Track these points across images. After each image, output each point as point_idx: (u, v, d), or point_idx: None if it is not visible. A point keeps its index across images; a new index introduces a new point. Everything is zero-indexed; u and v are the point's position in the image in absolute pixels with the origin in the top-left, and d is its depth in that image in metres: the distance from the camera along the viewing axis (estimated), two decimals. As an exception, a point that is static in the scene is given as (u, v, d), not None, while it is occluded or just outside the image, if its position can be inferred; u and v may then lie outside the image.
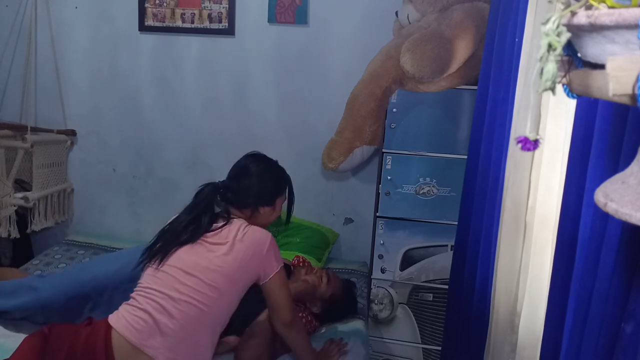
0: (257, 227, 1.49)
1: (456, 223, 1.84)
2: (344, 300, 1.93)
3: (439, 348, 2.09)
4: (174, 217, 1.54)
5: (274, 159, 1.63)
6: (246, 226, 1.47)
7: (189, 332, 1.36)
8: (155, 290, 1.38)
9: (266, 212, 1.57)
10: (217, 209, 1.54)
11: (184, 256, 1.42)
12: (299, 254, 2.21)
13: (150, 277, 1.42)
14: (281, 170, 1.63)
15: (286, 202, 1.65)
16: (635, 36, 0.49)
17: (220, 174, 2.61)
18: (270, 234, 1.48)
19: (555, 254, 1.06)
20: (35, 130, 2.54)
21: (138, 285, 1.44)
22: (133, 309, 1.37)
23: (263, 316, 1.65)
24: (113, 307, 1.50)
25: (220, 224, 1.47)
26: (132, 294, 1.43)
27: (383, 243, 2.11)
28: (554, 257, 1.07)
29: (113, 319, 1.38)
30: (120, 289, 1.72)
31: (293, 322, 1.50)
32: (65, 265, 2.33)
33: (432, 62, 1.82)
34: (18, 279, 1.94)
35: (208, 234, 1.45)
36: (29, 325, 1.75)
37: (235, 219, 1.49)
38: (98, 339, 1.32)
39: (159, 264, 1.41)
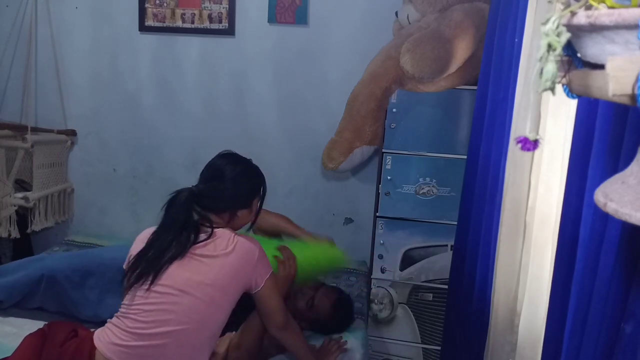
0: (245, 237, 1.45)
1: (456, 223, 1.84)
2: (333, 320, 1.83)
3: (439, 348, 2.09)
4: (150, 236, 1.44)
5: (248, 157, 1.56)
6: (234, 236, 1.42)
7: (185, 353, 1.33)
8: (147, 311, 1.32)
9: (244, 215, 1.51)
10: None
11: (176, 273, 1.35)
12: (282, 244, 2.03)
13: (140, 298, 1.34)
14: (256, 170, 1.56)
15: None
16: (634, 36, 0.49)
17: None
18: (258, 243, 1.45)
19: (555, 254, 1.06)
20: (35, 130, 2.55)
21: (126, 305, 1.37)
22: (121, 332, 1.33)
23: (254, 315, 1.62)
24: (111, 292, 1.51)
25: (205, 235, 1.40)
26: (120, 314, 1.37)
27: (383, 243, 2.11)
28: (554, 257, 1.07)
29: (99, 339, 1.34)
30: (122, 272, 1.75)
31: (287, 324, 1.48)
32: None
33: (432, 62, 1.82)
34: None
35: (196, 246, 1.38)
36: (29, 325, 1.75)
37: (219, 229, 1.43)
38: (82, 357, 1.32)
39: (151, 283, 1.33)
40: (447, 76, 1.91)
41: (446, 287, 2.00)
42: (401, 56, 1.87)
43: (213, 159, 1.52)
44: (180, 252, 1.36)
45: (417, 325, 2.15)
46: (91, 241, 2.60)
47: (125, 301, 1.38)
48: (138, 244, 1.45)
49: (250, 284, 1.42)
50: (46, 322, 1.49)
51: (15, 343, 1.38)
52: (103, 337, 1.35)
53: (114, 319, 1.38)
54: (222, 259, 1.37)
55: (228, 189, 1.46)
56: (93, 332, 1.40)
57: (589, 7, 0.54)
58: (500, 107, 1.41)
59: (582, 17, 0.53)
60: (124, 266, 1.46)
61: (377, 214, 2.10)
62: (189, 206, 1.43)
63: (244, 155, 1.57)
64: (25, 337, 1.39)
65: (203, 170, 1.51)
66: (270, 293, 1.44)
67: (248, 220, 1.55)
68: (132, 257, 1.42)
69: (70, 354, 1.33)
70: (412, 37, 1.88)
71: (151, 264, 1.36)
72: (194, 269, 1.36)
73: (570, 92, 0.64)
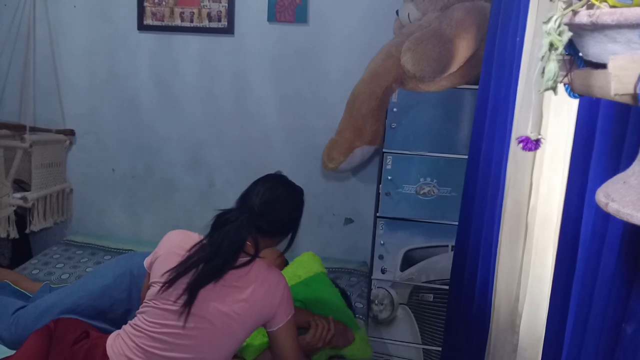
0: (275, 270, 1.39)
1: (457, 223, 1.84)
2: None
3: (440, 349, 2.08)
4: (194, 249, 1.31)
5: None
6: (266, 268, 1.36)
7: None
8: (168, 333, 1.27)
9: (274, 243, 1.47)
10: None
11: (206, 299, 1.27)
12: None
13: (163, 317, 1.28)
14: (303, 200, 1.51)
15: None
16: (637, 35, 0.48)
17: (220, 174, 2.65)
18: (284, 278, 1.39)
19: (556, 254, 1.06)
20: (34, 130, 2.54)
21: (146, 320, 1.30)
22: (136, 347, 1.28)
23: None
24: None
25: (245, 260, 1.31)
26: (137, 327, 1.31)
27: (383, 243, 2.10)
28: (555, 257, 1.07)
29: (112, 348, 1.30)
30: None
31: None
32: (63, 265, 2.32)
33: (432, 61, 1.82)
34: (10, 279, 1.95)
35: (233, 272, 1.30)
36: None
37: (258, 259, 1.36)
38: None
39: (183, 308, 1.25)
40: (448, 75, 1.90)
41: (447, 287, 2.00)
42: (402, 55, 1.86)
43: (267, 182, 1.45)
44: (218, 274, 1.28)
45: (417, 326, 2.14)
46: (90, 241, 2.60)
47: (146, 314, 1.31)
48: (171, 253, 1.35)
49: (269, 320, 1.35)
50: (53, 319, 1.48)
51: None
52: (116, 348, 1.30)
53: (130, 329, 1.33)
54: (251, 292, 1.30)
55: (285, 215, 1.42)
56: (105, 336, 1.37)
57: (590, 6, 0.54)
58: (502, 106, 1.41)
59: (584, 16, 0.53)
60: (146, 264, 1.42)
61: (378, 214, 2.10)
62: (249, 230, 1.32)
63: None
64: (31, 335, 1.39)
65: (258, 192, 1.40)
66: (286, 335, 1.37)
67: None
68: (160, 259, 1.35)
69: (82, 358, 1.30)
70: (413, 36, 1.88)
71: (190, 288, 1.26)
72: (222, 298, 1.29)
73: (572, 91, 0.63)
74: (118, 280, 1.71)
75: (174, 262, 1.31)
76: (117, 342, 1.32)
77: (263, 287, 1.32)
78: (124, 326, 1.37)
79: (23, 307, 1.68)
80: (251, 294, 1.30)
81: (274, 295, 1.33)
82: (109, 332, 1.41)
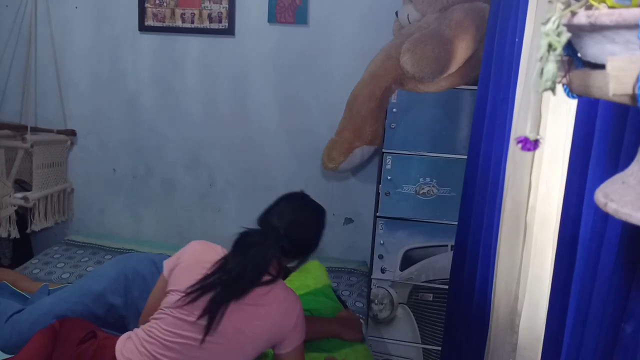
0: (292, 293, 1.38)
1: (456, 223, 1.84)
2: None
3: (439, 348, 2.09)
4: (218, 264, 1.31)
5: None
6: (285, 289, 1.37)
7: None
8: (182, 344, 1.26)
9: (300, 261, 1.49)
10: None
11: (225, 314, 1.27)
12: None
13: (180, 327, 1.27)
14: (325, 221, 1.52)
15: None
16: (635, 36, 0.49)
17: (220, 174, 2.65)
18: (300, 302, 1.38)
19: (555, 254, 1.06)
20: (35, 130, 2.55)
21: (160, 327, 1.29)
22: (148, 355, 1.27)
23: None
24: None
25: (267, 279, 1.32)
26: (151, 333, 1.30)
27: (383, 243, 2.11)
28: (554, 257, 1.07)
29: (122, 354, 1.29)
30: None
31: None
32: (63, 264, 2.33)
33: (432, 62, 1.82)
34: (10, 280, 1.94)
35: (255, 290, 1.30)
36: None
37: (280, 280, 1.37)
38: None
39: (207, 327, 1.25)
40: (447, 76, 1.91)
41: (446, 287, 2.00)
42: (401, 56, 1.87)
43: (294, 201, 1.46)
44: (243, 296, 1.28)
45: (417, 325, 2.15)
46: (91, 241, 2.61)
47: (162, 322, 1.30)
48: (194, 264, 1.35)
49: (279, 342, 1.34)
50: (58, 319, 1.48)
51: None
52: (127, 353, 1.29)
53: (142, 334, 1.32)
54: (268, 310, 1.31)
55: (310, 238, 1.44)
56: (112, 337, 1.36)
57: (589, 7, 0.54)
58: (501, 107, 1.41)
59: (582, 17, 0.53)
60: (166, 269, 1.40)
61: (377, 214, 2.10)
62: (274, 253, 1.33)
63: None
64: (36, 334, 1.39)
65: (283, 212, 1.41)
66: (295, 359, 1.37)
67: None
68: (181, 267, 1.35)
69: (89, 358, 1.29)
70: (413, 37, 1.88)
71: (212, 305, 1.26)
72: (240, 315, 1.29)
73: (570, 92, 0.64)
74: (113, 285, 1.70)
75: (196, 274, 1.30)
76: (127, 346, 1.31)
77: (280, 309, 1.32)
78: (135, 330, 1.36)
79: (20, 310, 1.66)
80: (267, 314, 1.30)
81: (289, 318, 1.33)
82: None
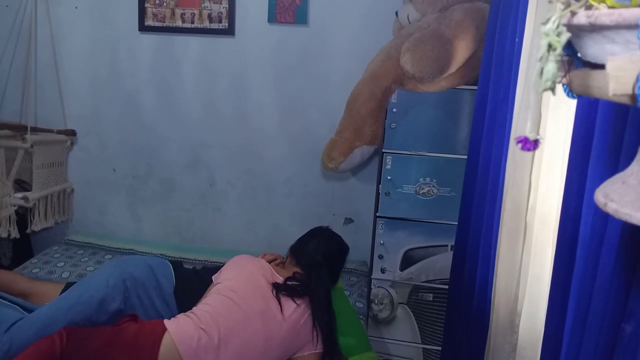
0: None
1: (456, 223, 1.84)
2: None
3: (439, 348, 2.09)
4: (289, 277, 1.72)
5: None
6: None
7: None
8: (228, 323, 1.47)
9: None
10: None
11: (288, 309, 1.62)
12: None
13: (226, 307, 1.52)
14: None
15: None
16: (635, 36, 0.49)
17: (220, 174, 2.65)
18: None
19: (555, 254, 1.06)
20: (35, 130, 2.55)
21: (208, 304, 1.52)
22: (196, 326, 1.43)
23: None
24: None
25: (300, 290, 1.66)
26: (197, 310, 1.51)
27: (383, 243, 2.11)
28: (554, 257, 1.07)
29: (172, 325, 1.42)
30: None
31: None
32: (63, 264, 2.33)
33: (432, 62, 1.82)
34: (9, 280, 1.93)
35: (293, 300, 1.63)
36: None
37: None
38: (149, 338, 1.36)
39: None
40: (447, 76, 1.91)
41: (446, 287, 2.00)
42: (401, 56, 1.87)
43: (328, 237, 1.97)
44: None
45: (417, 325, 2.15)
46: (91, 241, 2.60)
47: (210, 297, 1.56)
48: (235, 264, 1.74)
49: (300, 347, 1.62)
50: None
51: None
52: (177, 326, 1.43)
53: (197, 312, 1.51)
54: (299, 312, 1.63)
55: (338, 267, 1.95)
56: (153, 322, 1.47)
57: (589, 7, 0.54)
58: (501, 107, 1.41)
59: (582, 17, 0.53)
60: (214, 279, 1.71)
61: (377, 214, 2.10)
62: (326, 282, 1.75)
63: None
64: (35, 343, 1.38)
65: (315, 247, 1.87)
66: None
67: None
68: (224, 270, 1.71)
69: (130, 339, 1.37)
70: (413, 37, 1.88)
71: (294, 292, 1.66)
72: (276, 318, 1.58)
73: (570, 92, 0.64)
74: (113, 292, 1.69)
75: (239, 270, 1.68)
76: (176, 322, 1.45)
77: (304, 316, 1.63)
78: (184, 314, 1.52)
79: (19, 320, 1.61)
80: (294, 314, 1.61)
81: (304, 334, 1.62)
82: None
